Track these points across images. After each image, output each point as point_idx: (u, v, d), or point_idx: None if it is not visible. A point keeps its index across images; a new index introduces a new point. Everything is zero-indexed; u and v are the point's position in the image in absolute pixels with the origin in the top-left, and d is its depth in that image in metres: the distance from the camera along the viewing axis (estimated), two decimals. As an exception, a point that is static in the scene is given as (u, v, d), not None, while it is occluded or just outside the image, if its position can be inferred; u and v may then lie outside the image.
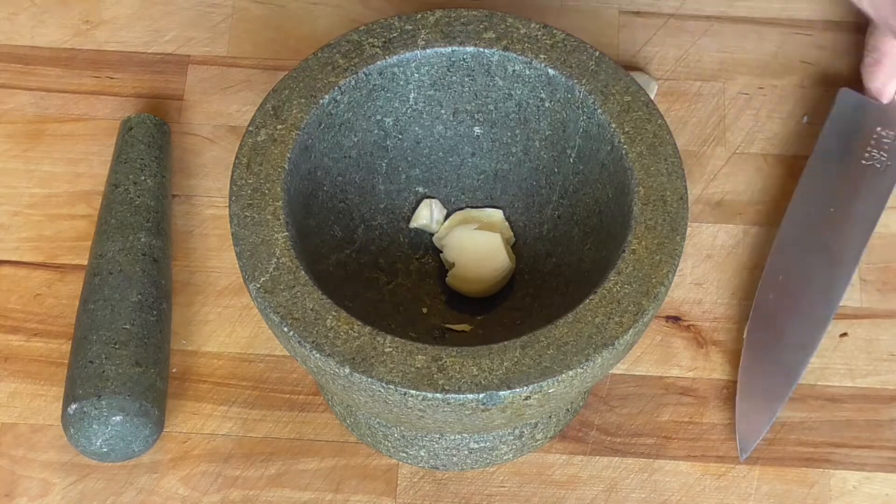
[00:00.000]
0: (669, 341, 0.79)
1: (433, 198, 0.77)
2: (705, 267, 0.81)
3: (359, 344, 0.63)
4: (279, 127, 0.69)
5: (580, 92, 0.71)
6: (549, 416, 0.73)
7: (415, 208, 0.77)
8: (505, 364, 0.62)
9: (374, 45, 0.71)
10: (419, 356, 0.63)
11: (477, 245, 0.75)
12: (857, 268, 0.79)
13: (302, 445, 0.75)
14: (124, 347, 0.72)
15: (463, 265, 0.75)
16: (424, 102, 0.73)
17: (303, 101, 0.69)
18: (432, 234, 0.77)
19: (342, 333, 0.63)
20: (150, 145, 0.81)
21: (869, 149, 0.81)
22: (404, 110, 0.73)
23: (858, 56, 0.89)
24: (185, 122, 0.86)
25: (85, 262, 0.80)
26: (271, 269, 0.65)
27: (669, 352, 0.79)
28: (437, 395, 0.62)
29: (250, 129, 0.69)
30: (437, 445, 0.73)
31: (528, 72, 0.72)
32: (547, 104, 0.72)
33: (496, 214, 0.77)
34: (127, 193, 0.78)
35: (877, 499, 0.74)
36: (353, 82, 0.71)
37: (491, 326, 0.74)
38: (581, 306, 0.64)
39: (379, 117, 0.73)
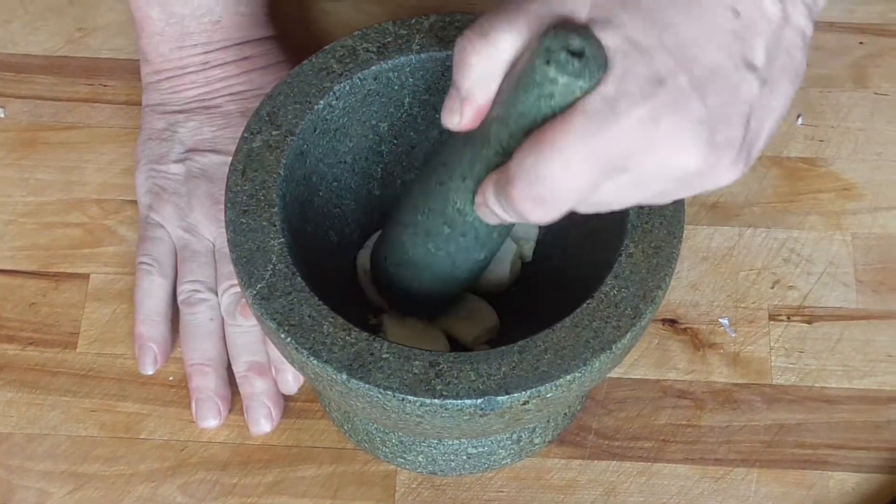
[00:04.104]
0: (666, 344, 0.79)
1: None
2: (702, 269, 0.81)
3: (356, 350, 0.63)
4: (274, 133, 0.69)
5: (576, 95, 0.70)
6: (547, 421, 0.73)
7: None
8: (503, 369, 0.62)
9: (368, 50, 0.71)
10: (416, 362, 0.62)
11: None
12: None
13: (299, 452, 0.75)
14: None
15: None
16: (419, 107, 0.73)
17: (298, 106, 0.69)
18: None
19: (339, 339, 0.63)
20: None
21: None
22: (399, 115, 0.73)
23: (853, 56, 0.89)
24: (180, 129, 0.86)
25: (79, 271, 0.80)
26: (268, 276, 0.64)
27: (666, 355, 0.78)
28: (435, 400, 0.61)
29: (245, 135, 0.68)
30: (435, 451, 0.72)
31: (522, 76, 0.72)
32: (542, 108, 0.72)
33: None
34: None
35: (876, 500, 0.74)
36: (347, 87, 0.70)
37: (488, 331, 0.75)
38: (578, 310, 0.64)
39: (374, 122, 0.73)
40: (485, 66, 0.57)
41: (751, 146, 0.56)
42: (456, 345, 0.74)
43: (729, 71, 0.54)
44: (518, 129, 0.56)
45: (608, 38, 0.54)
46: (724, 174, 0.56)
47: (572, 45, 0.53)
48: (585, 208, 0.57)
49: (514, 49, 0.56)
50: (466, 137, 0.60)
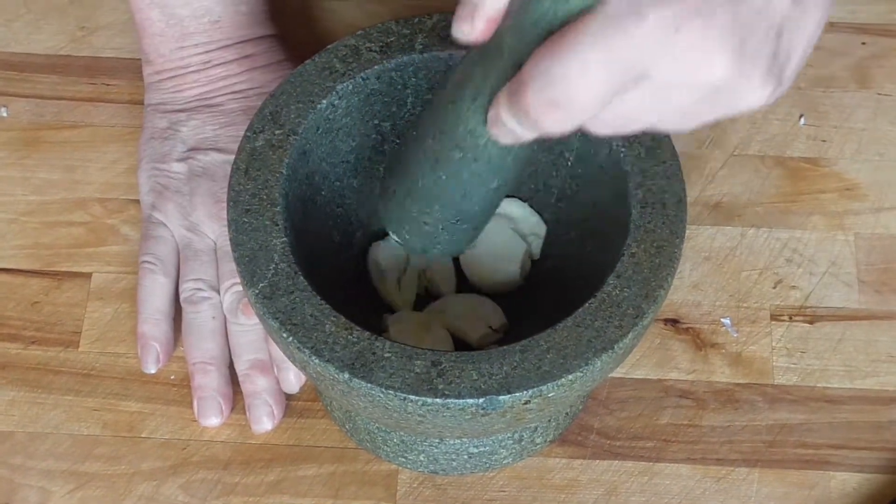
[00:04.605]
0: (668, 344, 0.79)
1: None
2: (704, 269, 0.81)
3: (358, 349, 0.63)
4: (277, 132, 0.69)
5: (578, 95, 0.70)
6: (549, 420, 0.73)
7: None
8: (504, 368, 0.62)
9: (371, 50, 0.71)
10: (418, 361, 0.62)
11: (497, 240, 0.74)
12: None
13: (301, 451, 0.75)
14: None
15: (479, 252, 0.74)
16: (422, 107, 0.73)
17: (300, 105, 0.69)
18: None
19: (341, 339, 0.63)
20: None
21: None
22: (402, 115, 0.73)
23: (855, 56, 0.89)
24: (182, 128, 0.86)
25: (82, 270, 0.80)
26: (270, 275, 0.64)
27: (668, 355, 0.78)
28: (437, 400, 0.61)
29: (248, 134, 0.68)
30: (436, 450, 0.72)
31: (525, 75, 0.71)
32: (544, 108, 0.72)
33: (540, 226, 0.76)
34: None
35: (878, 501, 0.74)
36: (350, 87, 0.70)
37: (490, 331, 0.74)
38: (580, 310, 0.64)
39: (377, 122, 0.73)
40: None
41: (783, 65, 0.52)
42: (462, 345, 0.74)
43: None
44: (533, 37, 0.52)
45: None
46: (753, 92, 0.52)
47: None
48: (603, 125, 0.53)
49: None
50: (479, 51, 0.55)
